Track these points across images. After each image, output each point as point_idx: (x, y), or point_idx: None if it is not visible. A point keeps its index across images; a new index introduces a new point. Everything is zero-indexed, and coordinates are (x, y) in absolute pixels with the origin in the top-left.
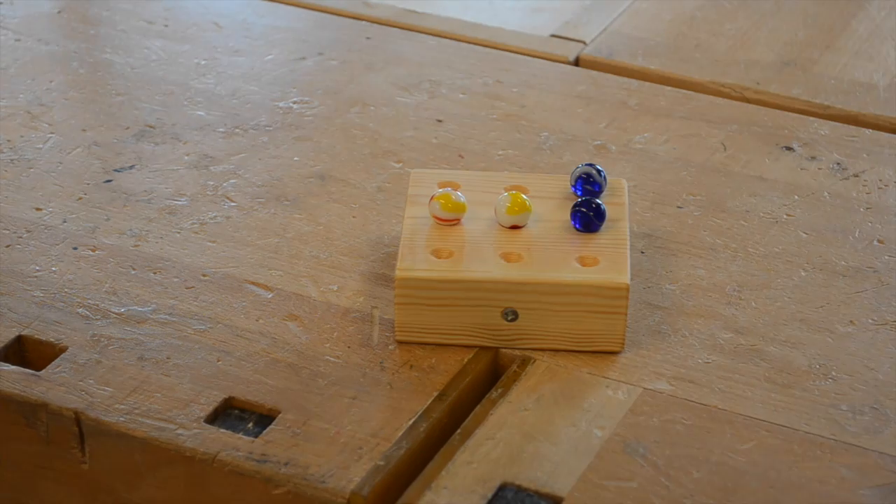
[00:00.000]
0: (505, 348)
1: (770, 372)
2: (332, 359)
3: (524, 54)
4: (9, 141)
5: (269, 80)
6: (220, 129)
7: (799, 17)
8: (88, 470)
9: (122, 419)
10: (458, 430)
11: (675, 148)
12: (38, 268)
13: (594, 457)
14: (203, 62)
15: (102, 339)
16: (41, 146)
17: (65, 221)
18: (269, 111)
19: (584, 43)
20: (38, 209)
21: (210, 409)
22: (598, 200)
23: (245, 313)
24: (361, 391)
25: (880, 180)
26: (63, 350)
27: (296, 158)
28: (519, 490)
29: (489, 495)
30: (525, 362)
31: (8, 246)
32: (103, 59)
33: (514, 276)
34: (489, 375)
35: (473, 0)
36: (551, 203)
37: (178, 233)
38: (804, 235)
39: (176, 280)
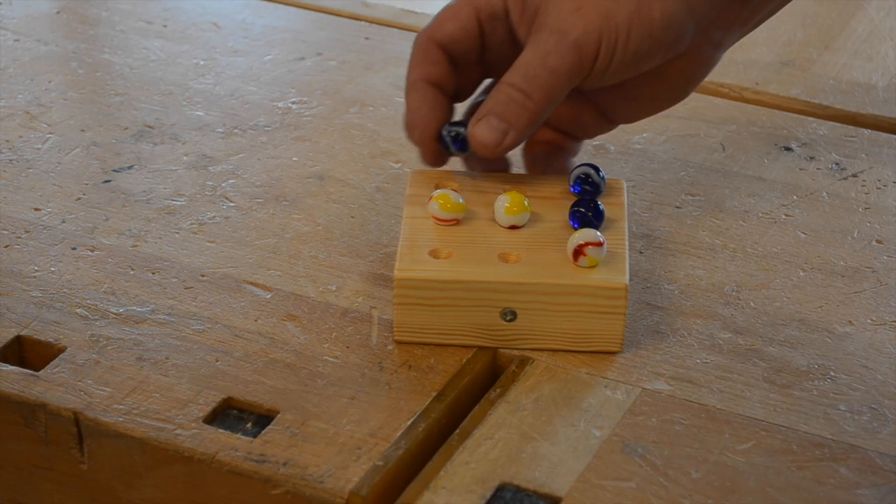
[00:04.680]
0: (503, 348)
1: (769, 372)
2: (330, 359)
3: None
4: (7, 141)
5: (268, 81)
6: (219, 130)
7: (797, 17)
8: (87, 470)
9: (120, 419)
10: (457, 431)
11: (674, 148)
12: (36, 268)
13: (593, 457)
14: (202, 62)
15: (101, 340)
16: (40, 146)
17: (63, 222)
18: (268, 111)
19: None
20: (36, 209)
21: (209, 409)
22: (596, 200)
23: (244, 313)
24: (360, 391)
25: (879, 180)
26: (62, 350)
27: (295, 159)
28: (517, 490)
29: (487, 495)
30: (524, 362)
31: (7, 246)
32: (102, 59)
33: (513, 276)
34: (488, 375)
35: None
36: (550, 203)
37: (177, 233)
38: (803, 235)
39: (175, 280)
